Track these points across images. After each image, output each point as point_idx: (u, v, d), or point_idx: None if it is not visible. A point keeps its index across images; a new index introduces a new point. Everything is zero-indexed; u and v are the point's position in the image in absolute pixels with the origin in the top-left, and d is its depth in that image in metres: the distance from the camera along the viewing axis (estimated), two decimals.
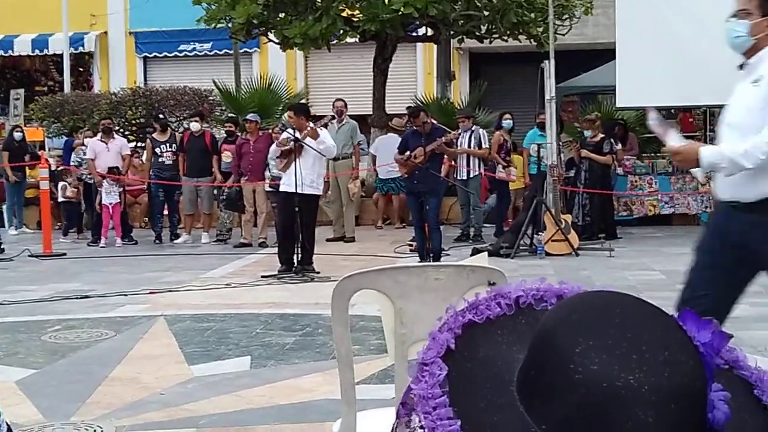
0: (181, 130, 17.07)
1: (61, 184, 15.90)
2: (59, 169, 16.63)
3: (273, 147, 11.50)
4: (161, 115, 15.89)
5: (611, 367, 1.03)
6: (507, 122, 15.03)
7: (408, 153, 11.25)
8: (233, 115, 17.21)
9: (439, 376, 1.13)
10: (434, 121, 12.64)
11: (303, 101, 17.17)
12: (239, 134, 15.09)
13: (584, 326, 1.08)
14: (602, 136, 14.37)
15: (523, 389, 1.12)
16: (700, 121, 18.68)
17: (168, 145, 15.06)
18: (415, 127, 11.64)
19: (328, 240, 14.33)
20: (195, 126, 14.94)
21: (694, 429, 1.06)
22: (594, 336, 1.06)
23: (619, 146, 15.32)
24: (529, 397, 1.11)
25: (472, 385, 1.14)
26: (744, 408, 1.15)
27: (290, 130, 10.95)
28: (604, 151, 14.22)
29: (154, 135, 15.45)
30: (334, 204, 15.06)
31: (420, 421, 1.12)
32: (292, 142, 10.70)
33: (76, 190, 15.87)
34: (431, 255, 11.08)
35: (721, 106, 15.82)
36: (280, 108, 18.44)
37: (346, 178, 14.95)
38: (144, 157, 15.89)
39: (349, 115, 15.66)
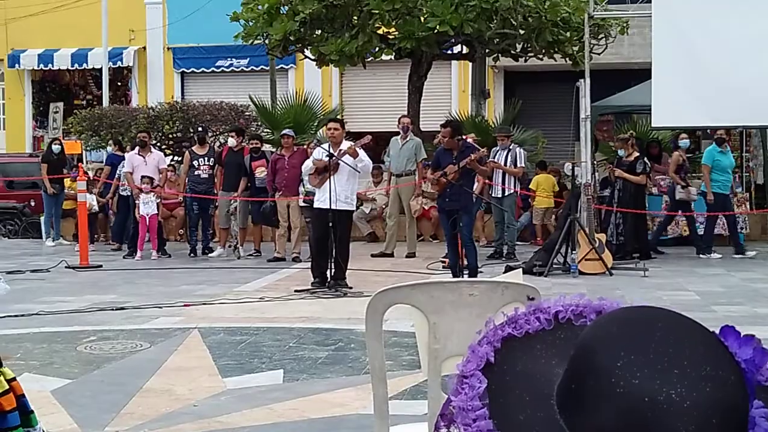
0: (218, 145, 17.23)
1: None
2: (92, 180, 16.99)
3: (306, 163, 11.51)
4: (200, 128, 16.05)
5: (653, 381, 1.04)
6: (684, 142, 14.78)
7: (440, 171, 11.24)
8: (268, 130, 17.33)
9: (479, 389, 1.14)
10: (471, 139, 12.62)
11: (338, 117, 17.23)
12: (263, 150, 15.20)
13: (625, 340, 1.08)
14: (636, 155, 14.28)
15: (563, 402, 1.12)
16: (736, 142, 18.54)
17: (206, 159, 15.16)
18: (444, 147, 11.59)
19: (373, 255, 14.35)
20: (231, 142, 15.06)
21: None
22: (635, 350, 1.06)
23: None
24: (569, 410, 1.11)
25: (512, 398, 1.15)
26: None
27: (325, 146, 11.01)
28: (637, 170, 14.13)
29: (193, 148, 15.59)
30: (390, 219, 14.96)
31: None
32: (326, 158, 10.75)
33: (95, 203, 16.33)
34: (466, 272, 11.06)
35: (757, 127, 15.77)
36: (316, 124, 18.54)
37: (409, 195, 14.90)
38: (181, 170, 16.01)
39: (383, 132, 15.69)
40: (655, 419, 1.02)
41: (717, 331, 1.13)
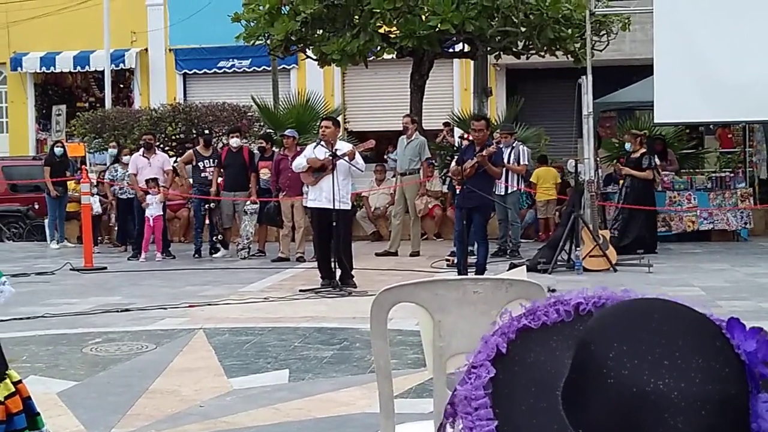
0: (220, 146, 17.23)
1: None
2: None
3: (299, 160, 11.36)
4: (206, 131, 16.05)
5: (642, 372, 1.04)
6: None
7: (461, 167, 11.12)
8: (270, 130, 17.34)
9: (485, 379, 1.14)
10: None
11: (340, 117, 17.25)
12: (274, 150, 15.23)
13: (620, 331, 1.08)
14: (643, 151, 14.29)
15: (565, 393, 1.13)
16: (739, 137, 18.53)
17: (211, 160, 15.19)
18: (472, 140, 11.52)
19: (377, 254, 14.39)
20: (235, 142, 15.06)
21: None
22: (628, 341, 1.07)
23: (658, 161, 15.26)
24: (569, 400, 1.12)
25: (517, 388, 1.15)
26: None
27: (323, 145, 10.89)
28: (642, 166, 14.16)
29: (197, 148, 15.57)
30: (396, 218, 14.94)
31: (461, 422, 1.13)
32: (330, 158, 10.74)
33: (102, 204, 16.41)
34: (472, 269, 11.01)
35: (760, 122, 15.71)
36: (318, 124, 18.54)
37: (414, 194, 14.91)
38: (179, 162, 15.97)
39: (385, 131, 15.69)
40: (643, 410, 1.03)
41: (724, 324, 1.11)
